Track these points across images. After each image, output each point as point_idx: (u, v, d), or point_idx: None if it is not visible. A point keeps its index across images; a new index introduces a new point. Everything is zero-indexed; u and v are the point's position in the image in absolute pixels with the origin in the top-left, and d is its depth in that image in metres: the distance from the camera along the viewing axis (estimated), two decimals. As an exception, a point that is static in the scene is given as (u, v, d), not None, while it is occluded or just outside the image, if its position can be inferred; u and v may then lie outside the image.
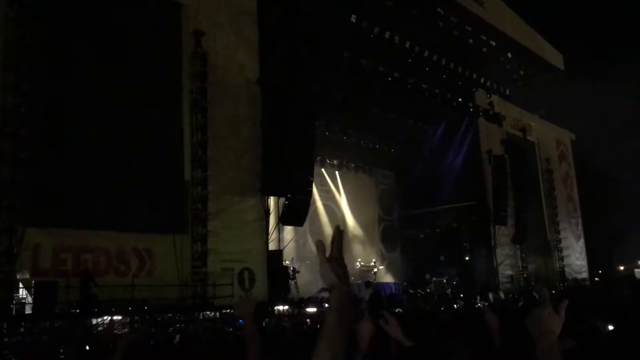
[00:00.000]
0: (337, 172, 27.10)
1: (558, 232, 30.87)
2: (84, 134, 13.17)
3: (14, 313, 11.45)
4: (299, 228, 20.60)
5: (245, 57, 16.96)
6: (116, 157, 13.49)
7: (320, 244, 1.74)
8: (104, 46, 13.69)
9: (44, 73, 12.54)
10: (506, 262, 26.21)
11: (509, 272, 26.43)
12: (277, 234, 18.75)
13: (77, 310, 12.07)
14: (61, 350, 10.38)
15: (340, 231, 1.78)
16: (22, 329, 11.37)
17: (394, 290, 23.61)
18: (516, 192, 26.79)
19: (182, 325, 13.55)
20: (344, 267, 1.72)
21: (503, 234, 26.03)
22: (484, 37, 24.95)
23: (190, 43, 15.62)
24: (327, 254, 1.72)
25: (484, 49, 25.18)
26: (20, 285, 11.81)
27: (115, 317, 12.67)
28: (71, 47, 13.18)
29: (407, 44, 21.75)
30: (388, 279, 26.48)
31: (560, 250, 30.58)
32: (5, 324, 11.12)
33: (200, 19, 15.85)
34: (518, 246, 27.04)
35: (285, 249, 19.43)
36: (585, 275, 31.66)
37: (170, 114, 15.26)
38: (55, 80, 12.81)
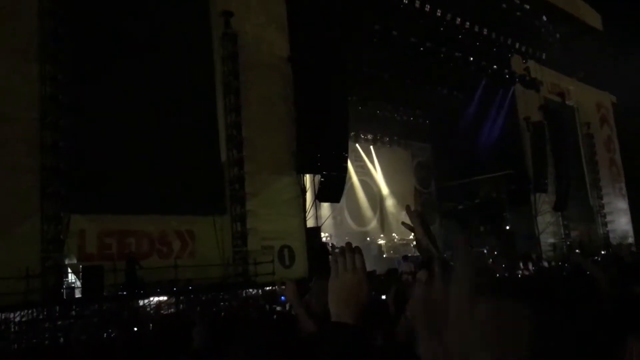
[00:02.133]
0: (371, 147, 26.95)
1: (601, 198, 30.08)
2: (121, 120, 13.38)
3: (64, 297, 11.86)
4: (336, 204, 20.64)
5: (275, 35, 16.89)
6: (153, 142, 13.68)
7: (413, 214, 1.73)
8: (135, 33, 13.82)
9: (80, 62, 12.74)
10: (548, 230, 25.73)
11: (552, 240, 25.97)
12: (315, 211, 18.83)
13: (124, 293, 12.43)
14: (110, 332, 10.76)
15: (414, 210, 1.75)
16: (73, 312, 11.78)
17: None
18: (556, 159, 26.15)
19: (226, 303, 13.82)
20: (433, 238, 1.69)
21: (544, 202, 25.52)
22: (517, 1, 24.24)
23: (220, 24, 15.63)
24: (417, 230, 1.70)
25: (518, 13, 24.44)
26: (69, 270, 12.20)
27: (160, 298, 13.01)
28: (103, 34, 13.34)
29: (439, 13, 21.30)
30: (427, 252, 26.36)
31: (604, 216, 29.84)
32: (57, 307, 11.54)
33: (228, 0, 15.83)
34: (560, 213, 26.50)
35: (323, 226, 19.52)
36: (631, 240, 30.87)
37: (204, 95, 15.38)
38: (91, 69, 13.01)
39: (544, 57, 27.17)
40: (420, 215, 1.71)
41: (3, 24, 11.94)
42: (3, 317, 10.71)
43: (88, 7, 13.24)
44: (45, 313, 11.26)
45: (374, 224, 26.18)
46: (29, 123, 11.97)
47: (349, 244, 1.73)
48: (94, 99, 13.03)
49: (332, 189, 17.87)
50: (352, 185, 24.73)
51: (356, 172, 25.57)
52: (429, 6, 20.84)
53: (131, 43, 13.65)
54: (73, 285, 12.23)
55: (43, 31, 12.30)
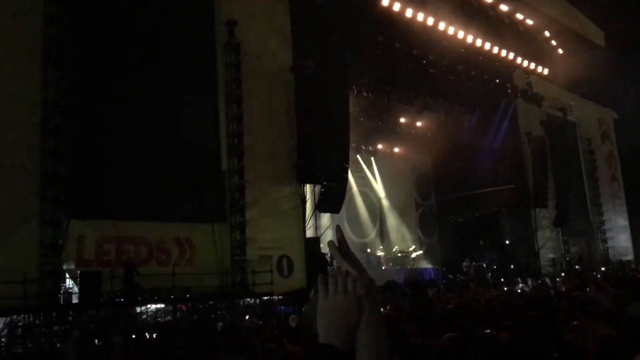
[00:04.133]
0: (372, 158, 26.95)
1: (601, 214, 30.05)
2: (122, 126, 13.41)
3: (61, 302, 11.81)
4: (336, 215, 20.60)
5: (278, 45, 16.95)
6: (154, 149, 13.70)
7: (334, 241, 1.65)
8: (139, 40, 13.89)
9: (82, 68, 12.77)
10: (548, 245, 25.67)
11: (551, 256, 25.90)
12: (314, 221, 18.78)
13: (122, 299, 12.37)
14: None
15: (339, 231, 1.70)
16: (70, 318, 11.73)
17: (432, 276, 23.47)
18: (557, 174, 26.16)
19: (224, 312, 13.76)
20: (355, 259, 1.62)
21: (544, 217, 25.48)
22: (521, 16, 24.36)
23: (224, 33, 15.69)
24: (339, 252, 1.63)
25: (521, 29, 24.58)
26: (67, 275, 12.15)
27: (158, 305, 12.95)
28: (107, 41, 13.40)
29: (442, 26, 21.39)
30: (427, 264, 26.34)
31: (604, 232, 29.79)
32: (54, 313, 11.50)
33: (232, 9, 15.90)
34: (560, 229, 26.45)
35: (322, 236, 19.47)
36: (630, 257, 30.78)
37: (206, 104, 15.42)
38: (93, 75, 13.06)
39: (546, 72, 27.26)
40: (336, 245, 1.63)
41: (8, 29, 11.98)
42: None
43: (92, 13, 13.30)
44: (41, 318, 11.22)
45: (373, 235, 26.13)
46: (30, 127, 11.98)
47: (339, 230, 1.66)
48: (96, 104, 13.07)
49: (332, 199, 17.83)
50: (352, 196, 24.72)
51: (357, 183, 25.57)
52: (432, 19, 20.94)
53: (134, 50, 13.72)
54: (70, 290, 12.17)
55: (47, 37, 12.35)
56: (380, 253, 24.05)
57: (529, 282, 20.66)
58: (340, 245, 1.64)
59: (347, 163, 18.31)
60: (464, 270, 23.96)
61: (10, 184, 11.57)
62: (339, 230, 1.72)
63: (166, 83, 14.17)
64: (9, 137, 11.70)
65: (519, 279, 21.22)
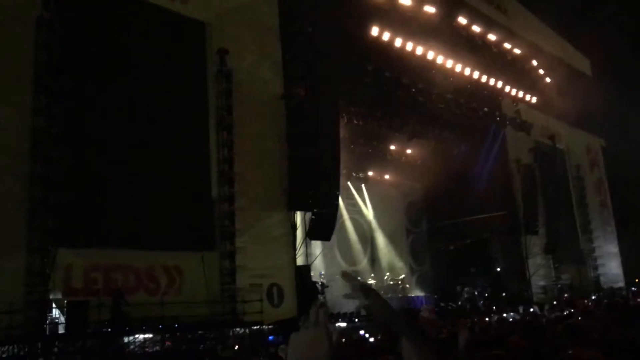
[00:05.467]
0: (363, 185, 26.97)
1: (591, 241, 30.17)
2: (111, 153, 13.37)
3: (47, 333, 11.58)
4: (327, 242, 20.52)
5: (269, 73, 17.07)
6: (144, 176, 13.65)
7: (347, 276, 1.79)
8: (130, 67, 13.92)
9: (73, 95, 12.77)
10: (539, 272, 25.68)
11: (542, 283, 25.89)
12: (305, 249, 18.69)
13: (109, 329, 12.16)
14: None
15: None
16: (55, 349, 11.49)
17: (424, 304, 23.31)
18: (547, 201, 26.34)
19: (213, 342, 13.55)
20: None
21: (534, 244, 25.57)
22: (508, 45, 24.75)
23: (215, 61, 15.80)
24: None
25: (509, 57, 24.94)
26: (54, 305, 11.94)
27: (146, 335, 12.74)
28: (98, 69, 13.41)
29: (430, 56, 21.68)
30: (418, 292, 26.18)
31: (595, 259, 29.87)
32: (39, 343, 11.26)
33: (224, 37, 16.04)
34: (550, 256, 26.48)
35: (313, 264, 19.35)
36: (621, 284, 30.80)
37: (196, 131, 15.45)
38: (84, 102, 13.06)
39: (534, 100, 27.61)
40: (352, 275, 1.81)
41: (-1, 56, 11.97)
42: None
43: (83, 40, 13.34)
44: (26, 349, 10.98)
45: (364, 263, 25.99)
46: (19, 155, 11.90)
47: (345, 273, 1.74)
48: (86, 131, 13.07)
49: (323, 226, 17.79)
50: (343, 223, 24.64)
51: (347, 210, 25.50)
52: (421, 49, 21.23)
53: (125, 76, 13.72)
54: (57, 320, 11.95)
55: (38, 63, 12.35)
56: (372, 281, 23.91)
57: (520, 309, 20.57)
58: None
59: (338, 190, 18.32)
60: (466, 297, 23.82)
61: (-1, 211, 11.44)
62: (345, 275, 1.83)
63: (157, 110, 14.21)
64: (-2, 165, 11.60)
65: (509, 308, 21.10)
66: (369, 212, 27.05)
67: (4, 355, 10.69)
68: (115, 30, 13.86)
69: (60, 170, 12.17)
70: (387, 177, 28.08)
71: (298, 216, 17.65)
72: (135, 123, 13.84)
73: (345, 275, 1.77)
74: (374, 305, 1.67)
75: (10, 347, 10.78)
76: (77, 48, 13.14)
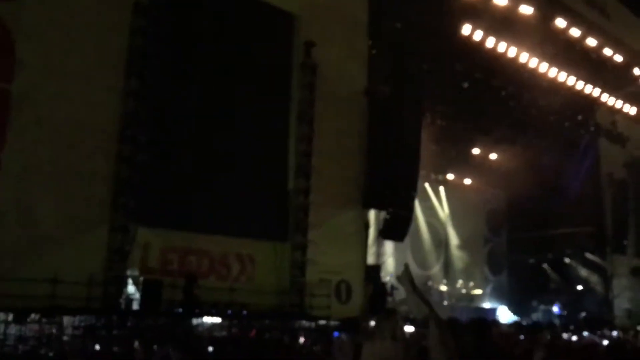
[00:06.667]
0: (441, 188, 26.24)
1: (686, 266, 27.97)
2: (195, 139, 13.70)
3: (122, 307, 12.03)
4: (399, 244, 20.16)
5: (355, 68, 16.90)
6: (223, 163, 13.88)
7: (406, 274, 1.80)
8: (217, 55, 14.20)
9: (162, 81, 13.15)
10: (624, 294, 24.12)
11: (627, 306, 24.29)
12: (376, 248, 18.45)
13: (180, 310, 12.47)
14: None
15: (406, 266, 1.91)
16: (129, 323, 11.91)
17: (495, 317, 22.49)
18: (638, 220, 24.67)
19: (278, 332, 13.62)
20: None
21: (622, 264, 24.05)
22: (609, 52, 23.28)
23: (301, 54, 15.81)
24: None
25: (608, 64, 23.47)
26: (130, 282, 12.39)
27: (214, 319, 12.97)
28: (187, 56, 13.79)
29: (524, 58, 20.72)
30: (491, 303, 25.27)
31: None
32: (114, 317, 11.72)
33: (312, 30, 16.00)
34: (638, 279, 24.80)
35: (384, 265, 19.07)
36: None
37: (277, 122, 15.53)
38: (171, 88, 13.43)
39: (633, 112, 25.82)
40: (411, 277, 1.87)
41: (99, 42, 12.45)
42: (64, 320, 10.99)
43: (175, 28, 13.72)
44: (102, 321, 11.45)
45: (437, 268, 25.33)
46: (109, 135, 12.37)
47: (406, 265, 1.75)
48: (172, 116, 13.43)
49: (397, 227, 17.48)
50: (417, 225, 24.06)
51: (423, 212, 24.89)
52: (514, 51, 20.33)
53: (212, 64, 14.01)
54: (132, 296, 12.39)
55: (132, 48, 12.77)
56: (443, 288, 23.31)
57: (599, 332, 19.40)
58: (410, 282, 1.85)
59: (415, 191, 17.94)
60: (541, 313, 22.86)
61: (87, 188, 11.96)
62: (407, 269, 1.87)
63: (240, 98, 14.41)
64: (90, 144, 12.11)
65: (587, 329, 19.94)
66: (445, 216, 26.32)
67: (82, 324, 11.20)
68: (204, 19, 14.15)
69: (146, 152, 12.56)
70: (467, 181, 27.12)
71: (372, 214, 17.44)
72: (218, 110, 14.10)
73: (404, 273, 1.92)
74: (411, 294, 1.85)
75: (88, 317, 11.27)
76: (168, 35, 13.51)
